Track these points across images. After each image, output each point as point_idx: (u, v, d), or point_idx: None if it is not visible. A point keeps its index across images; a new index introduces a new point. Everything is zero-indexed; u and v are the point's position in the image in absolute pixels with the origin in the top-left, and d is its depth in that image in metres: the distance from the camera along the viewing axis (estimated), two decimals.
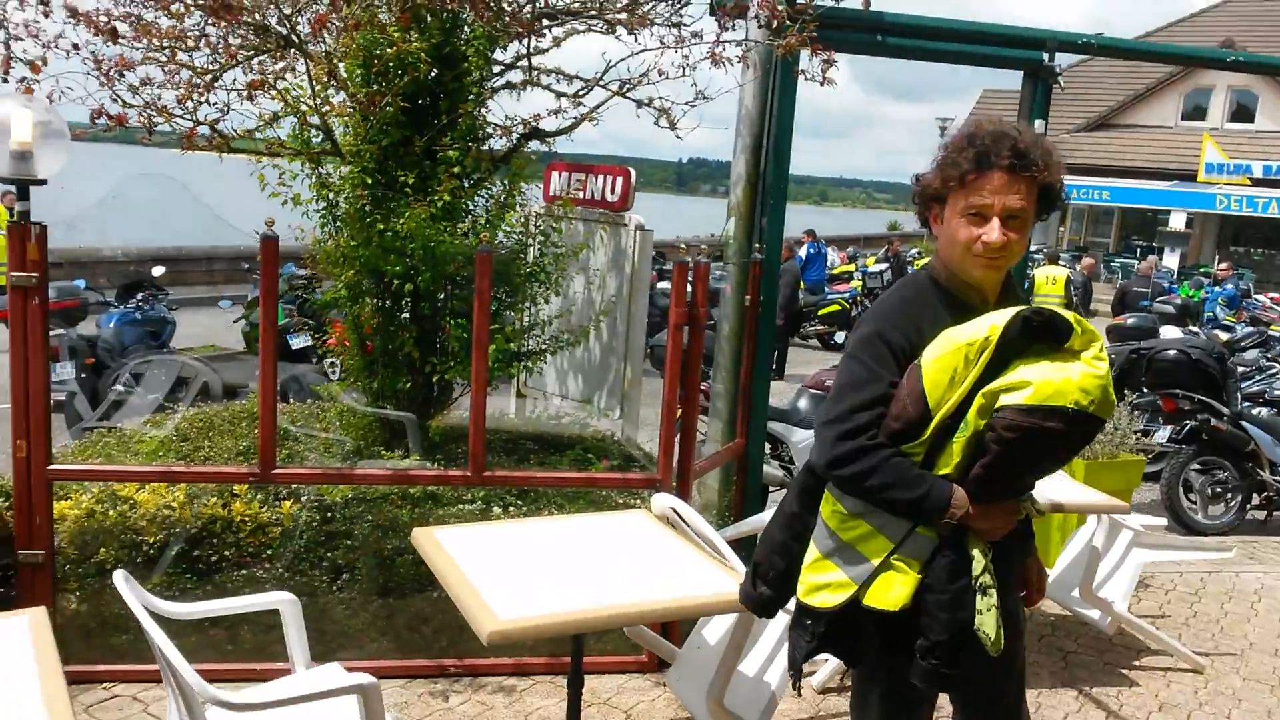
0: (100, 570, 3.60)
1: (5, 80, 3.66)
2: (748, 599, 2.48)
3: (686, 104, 4.47)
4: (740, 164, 4.62)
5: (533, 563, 2.86)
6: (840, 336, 15.60)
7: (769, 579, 2.41)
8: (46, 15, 3.78)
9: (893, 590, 2.10)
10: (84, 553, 3.60)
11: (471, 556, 2.84)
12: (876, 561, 2.12)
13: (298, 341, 9.90)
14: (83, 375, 7.72)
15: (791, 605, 2.35)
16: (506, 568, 2.80)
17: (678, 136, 4.49)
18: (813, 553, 2.24)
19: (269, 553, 3.82)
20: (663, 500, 3.30)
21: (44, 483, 3.42)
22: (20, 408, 3.38)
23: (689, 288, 3.84)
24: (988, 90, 33.36)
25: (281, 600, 2.82)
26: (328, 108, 4.36)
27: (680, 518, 3.22)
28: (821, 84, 4.22)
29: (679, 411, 4.07)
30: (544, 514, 4.22)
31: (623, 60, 4.54)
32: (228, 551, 3.77)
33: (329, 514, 4.00)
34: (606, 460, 4.92)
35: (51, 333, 7.86)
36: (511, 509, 4.20)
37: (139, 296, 9.33)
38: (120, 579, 2.31)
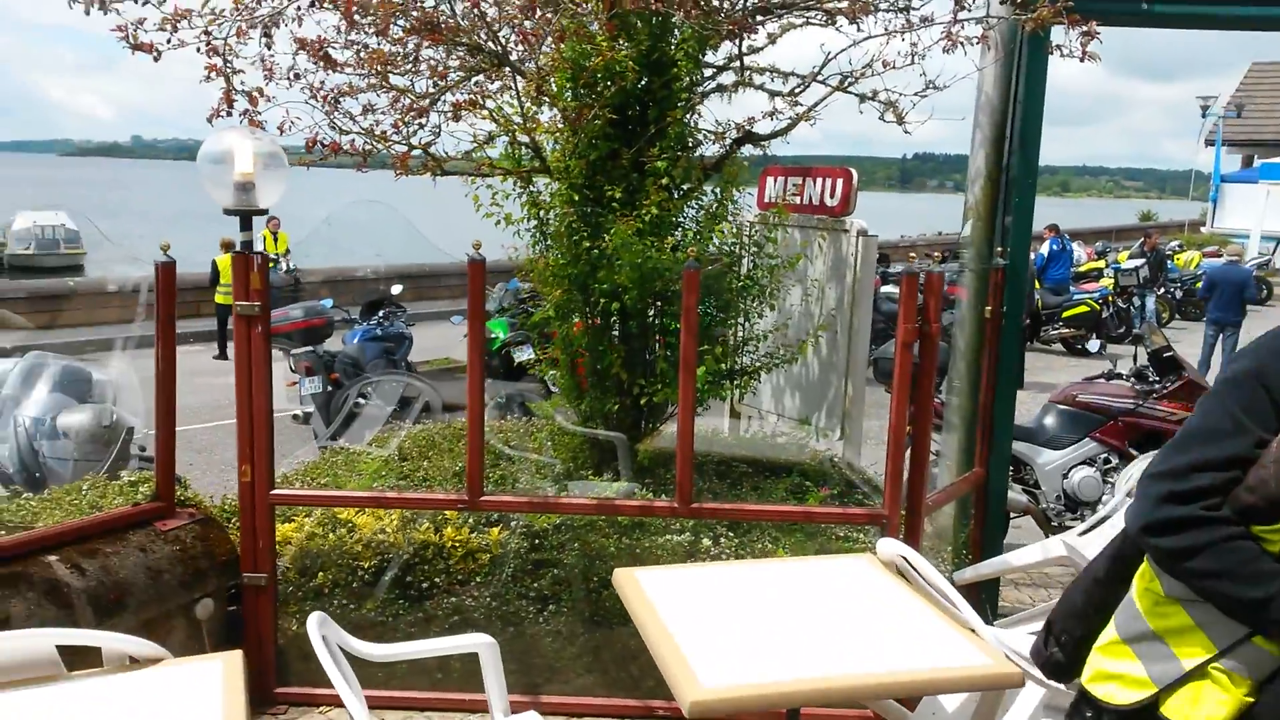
0: (318, 593, 3.65)
1: (229, 114, 3.80)
2: (1037, 655, 2.07)
3: (916, 94, 4.01)
4: (979, 158, 4.11)
5: (742, 615, 2.56)
6: (1094, 344, 14.11)
7: (1062, 642, 1.98)
8: (269, 48, 3.91)
9: (1204, 706, 1.62)
10: (304, 575, 3.67)
11: (675, 605, 2.58)
12: (1189, 665, 1.65)
13: (521, 356, 10.12)
14: (329, 389, 8.22)
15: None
16: (713, 621, 2.51)
17: (906, 132, 4.05)
18: (1110, 632, 1.79)
19: (478, 580, 3.75)
20: (891, 547, 2.90)
21: (267, 507, 3.50)
22: (245, 433, 3.47)
23: (919, 300, 3.40)
24: (1257, 64, 29.66)
25: (480, 644, 2.69)
26: (535, 125, 4.28)
27: (912, 568, 2.81)
28: (1081, 59, 3.64)
29: (908, 436, 3.64)
30: (757, 545, 3.92)
31: (843, 51, 4.16)
32: (438, 578, 3.73)
33: (537, 541, 3.89)
34: (825, 488, 4.54)
35: (301, 350, 8.50)
36: (722, 540, 3.93)
37: (380, 314, 9.89)
38: (313, 623, 2.23)
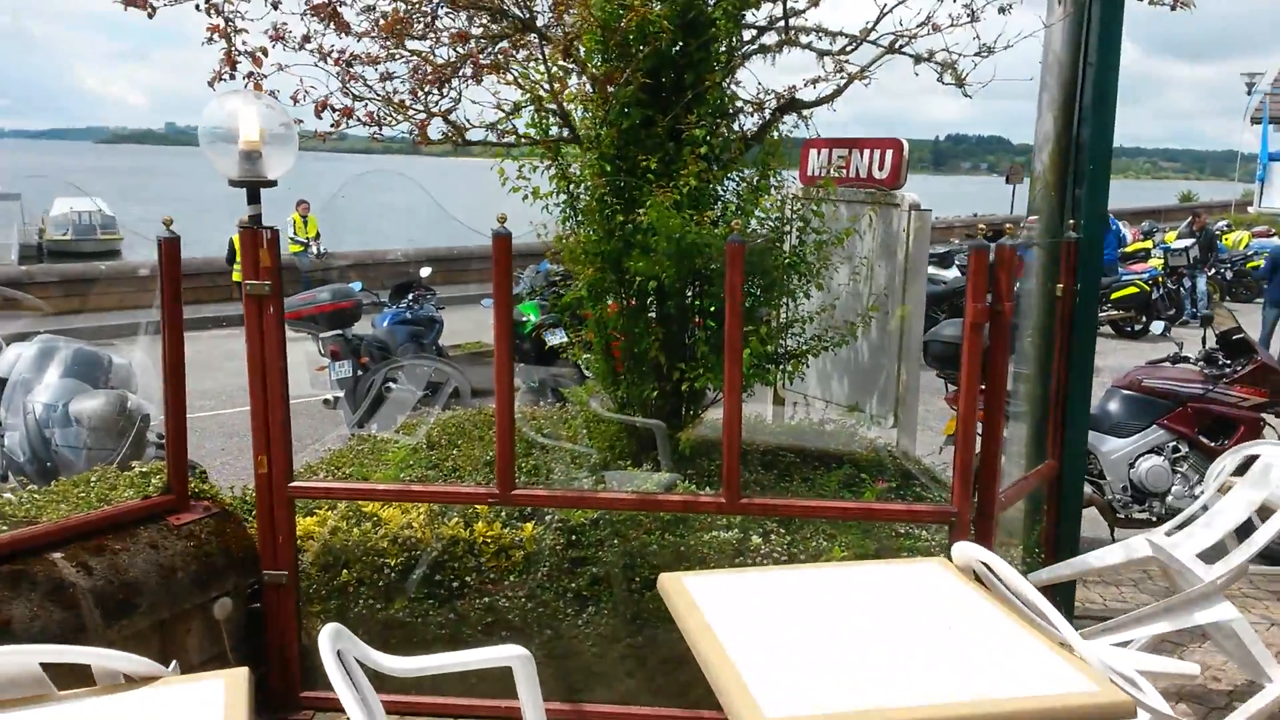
0: (343, 591, 3.43)
1: (231, 76, 3.56)
2: None
3: (976, 54, 3.69)
4: (1046, 122, 3.78)
5: (805, 629, 2.29)
6: (1158, 326, 13.55)
7: None
8: (276, 7, 3.66)
9: None
10: (328, 572, 3.45)
11: (728, 617, 2.32)
12: None
13: (554, 339, 9.88)
14: (357, 373, 8.04)
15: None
16: (772, 635, 2.25)
17: (966, 94, 3.73)
18: None
19: (511, 579, 3.52)
20: (968, 551, 2.62)
21: (285, 500, 3.28)
22: (260, 421, 3.25)
23: (991, 277, 3.10)
24: None
25: (513, 657, 2.44)
26: (562, 87, 4.01)
27: (994, 575, 2.52)
28: (1173, 7, 3.30)
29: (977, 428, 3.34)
30: (810, 543, 3.65)
31: (898, 5, 3.83)
32: (469, 577, 3.49)
33: (574, 537, 3.64)
34: (882, 480, 4.25)
35: (330, 334, 8.31)
36: (773, 537, 3.67)
37: (409, 297, 9.69)
38: (326, 638, 1.99)
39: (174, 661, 2.19)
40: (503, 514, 3.64)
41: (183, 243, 3.25)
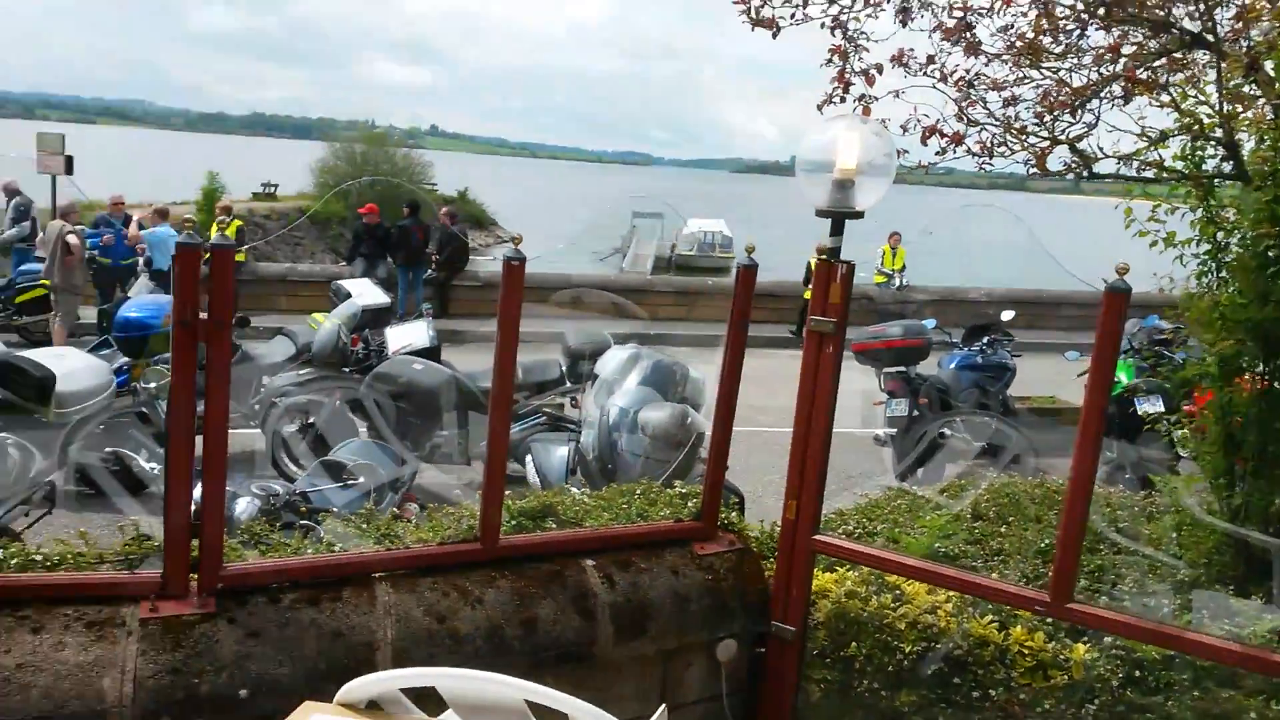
0: (848, 665, 3.11)
1: (843, 99, 3.44)
2: None
3: None
4: None
5: None
6: None
7: None
8: (905, 24, 3.46)
9: None
10: (836, 640, 3.16)
11: None
12: None
13: (1147, 407, 8.47)
14: (913, 414, 7.70)
15: None
16: None
17: None
18: None
19: (1046, 706, 2.88)
20: None
21: (806, 553, 3.06)
22: (796, 465, 3.07)
23: None
24: None
25: None
26: (1241, 110, 3.23)
27: None
28: None
29: None
30: None
31: None
32: (994, 689, 2.93)
33: (1137, 672, 2.88)
34: None
35: (893, 370, 8.10)
36: None
37: (984, 340, 9.11)
38: None
39: (663, 706, 2.08)
40: (1049, 622, 3.01)
41: (781, 266, 3.24)
